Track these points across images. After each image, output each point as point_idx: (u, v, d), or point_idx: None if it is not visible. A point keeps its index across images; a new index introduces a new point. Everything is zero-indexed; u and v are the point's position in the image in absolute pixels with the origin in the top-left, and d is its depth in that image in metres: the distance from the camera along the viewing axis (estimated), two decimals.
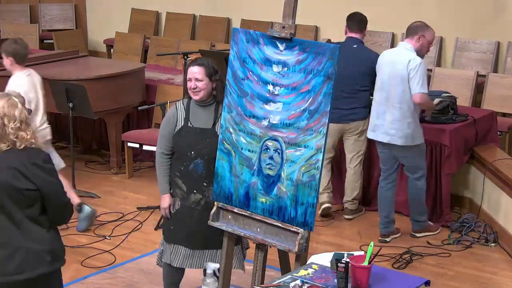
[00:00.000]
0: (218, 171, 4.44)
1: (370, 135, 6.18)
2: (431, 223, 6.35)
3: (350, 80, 6.36)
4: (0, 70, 7.42)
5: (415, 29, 5.96)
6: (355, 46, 6.43)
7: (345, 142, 6.63)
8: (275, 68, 4.18)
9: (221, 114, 4.49)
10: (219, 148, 4.43)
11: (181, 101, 4.67)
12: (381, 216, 6.26)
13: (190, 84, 4.53)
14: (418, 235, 6.26)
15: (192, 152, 4.51)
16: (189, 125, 4.55)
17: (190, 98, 4.61)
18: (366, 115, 6.52)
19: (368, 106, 6.51)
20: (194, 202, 4.58)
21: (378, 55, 6.51)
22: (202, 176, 4.54)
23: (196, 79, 4.50)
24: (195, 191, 4.56)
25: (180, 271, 4.80)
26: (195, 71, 4.51)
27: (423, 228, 6.28)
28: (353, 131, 6.55)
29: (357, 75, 6.38)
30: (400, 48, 6.03)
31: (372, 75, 6.34)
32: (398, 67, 5.88)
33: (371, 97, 6.32)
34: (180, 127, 4.57)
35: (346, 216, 6.70)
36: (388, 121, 5.95)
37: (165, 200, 4.68)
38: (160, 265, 4.83)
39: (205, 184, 4.54)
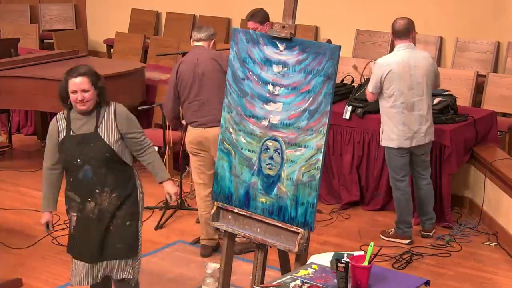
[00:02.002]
0: (218, 170, 4.44)
1: (406, 144, 5.94)
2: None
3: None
4: (0, 70, 7.44)
5: (407, 29, 5.95)
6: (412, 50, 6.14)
7: None
8: (275, 68, 4.18)
9: (103, 117, 4.36)
10: (219, 148, 4.43)
11: (61, 112, 4.44)
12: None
13: (75, 96, 4.28)
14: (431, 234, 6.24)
15: (78, 160, 4.32)
16: (71, 133, 4.35)
17: (70, 108, 4.39)
18: None
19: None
20: (90, 211, 4.39)
21: None
22: (93, 182, 4.34)
23: (83, 90, 4.28)
24: (89, 199, 4.37)
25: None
26: (80, 82, 4.29)
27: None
28: None
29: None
30: (409, 50, 5.92)
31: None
32: (423, 66, 5.91)
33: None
34: (62, 137, 4.37)
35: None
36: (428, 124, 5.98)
37: (43, 217, 4.53)
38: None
39: (97, 190, 4.36)
